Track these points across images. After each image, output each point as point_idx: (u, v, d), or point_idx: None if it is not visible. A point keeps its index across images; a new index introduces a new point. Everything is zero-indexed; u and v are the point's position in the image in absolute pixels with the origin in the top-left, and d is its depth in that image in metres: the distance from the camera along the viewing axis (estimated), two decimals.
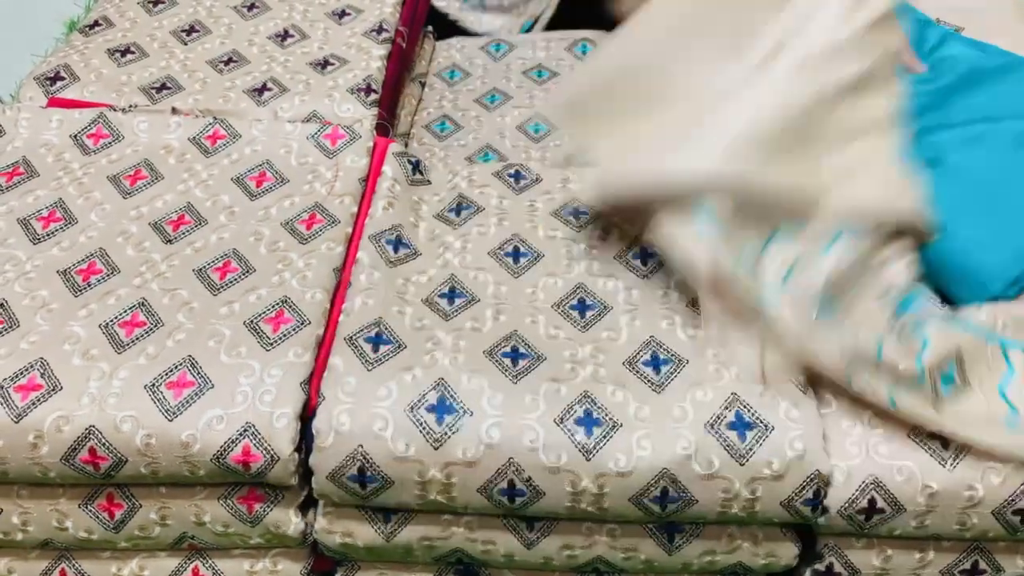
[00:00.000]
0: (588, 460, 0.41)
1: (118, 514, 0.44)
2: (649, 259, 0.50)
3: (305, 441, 0.42)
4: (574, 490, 0.41)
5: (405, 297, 0.47)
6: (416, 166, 0.56)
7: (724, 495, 0.41)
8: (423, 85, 0.73)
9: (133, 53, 0.63)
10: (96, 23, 0.66)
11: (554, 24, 0.79)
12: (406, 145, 0.67)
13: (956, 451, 0.41)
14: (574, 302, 0.48)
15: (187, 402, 0.42)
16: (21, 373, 0.43)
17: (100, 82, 0.60)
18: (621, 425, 0.42)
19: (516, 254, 0.50)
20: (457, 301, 0.47)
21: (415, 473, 0.41)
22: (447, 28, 0.79)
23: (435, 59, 0.76)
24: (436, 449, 0.41)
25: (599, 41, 0.75)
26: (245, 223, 0.50)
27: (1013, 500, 0.41)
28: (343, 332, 0.45)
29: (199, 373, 0.43)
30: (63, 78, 0.61)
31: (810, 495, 0.41)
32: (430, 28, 0.77)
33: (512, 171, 0.56)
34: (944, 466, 0.41)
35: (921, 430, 0.42)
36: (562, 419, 0.42)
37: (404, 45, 0.68)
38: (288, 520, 0.44)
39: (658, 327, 0.46)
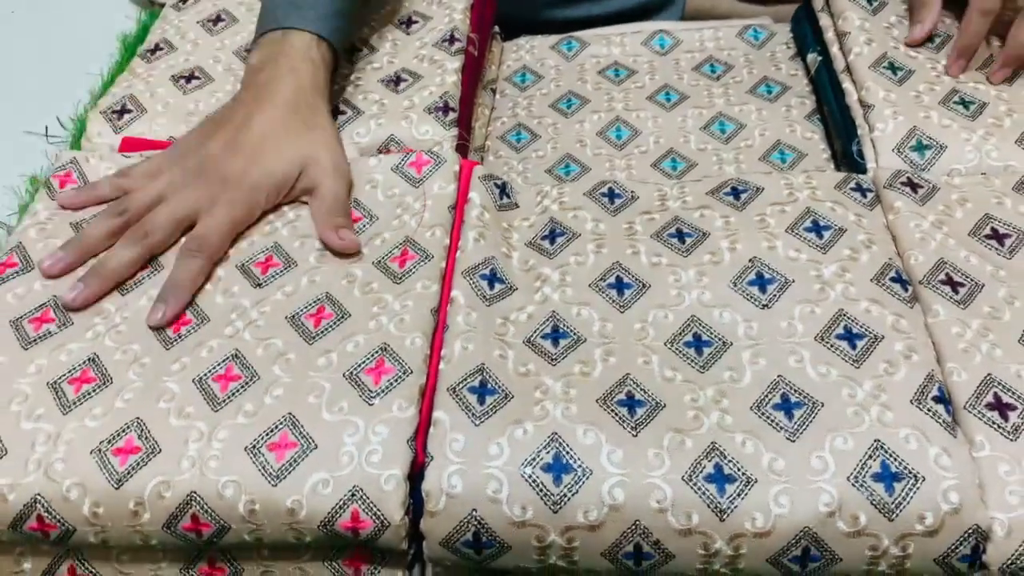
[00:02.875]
0: (722, 521, 0.38)
1: None
2: (768, 285, 0.46)
3: (414, 503, 0.40)
4: (707, 552, 0.38)
5: (506, 339, 0.45)
6: (503, 189, 0.53)
7: (871, 553, 0.38)
8: (494, 92, 0.69)
9: (199, 79, 0.61)
10: (157, 47, 0.64)
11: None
12: (482, 159, 0.64)
13: None
14: (688, 338, 0.44)
15: (291, 465, 0.40)
16: (118, 435, 0.41)
17: (168, 113, 0.58)
18: (756, 480, 0.38)
19: (620, 285, 0.47)
20: (562, 342, 0.44)
21: (534, 538, 0.39)
22: (514, 26, 0.75)
23: (504, 62, 0.72)
24: (555, 512, 0.38)
25: (675, 32, 0.70)
26: (337, 264, 0.48)
27: None
28: (445, 382, 0.42)
29: (301, 432, 0.41)
30: (130, 110, 0.58)
31: (967, 551, 0.38)
32: (496, 29, 0.73)
33: (605, 189, 0.52)
34: None
35: None
36: (691, 476, 0.39)
37: (476, 53, 0.64)
38: None
39: (785, 365, 0.42)
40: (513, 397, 0.42)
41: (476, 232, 0.49)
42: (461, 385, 0.42)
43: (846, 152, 0.57)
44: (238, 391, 0.42)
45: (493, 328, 0.45)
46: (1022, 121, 0.54)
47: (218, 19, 0.66)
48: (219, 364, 0.43)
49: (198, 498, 0.40)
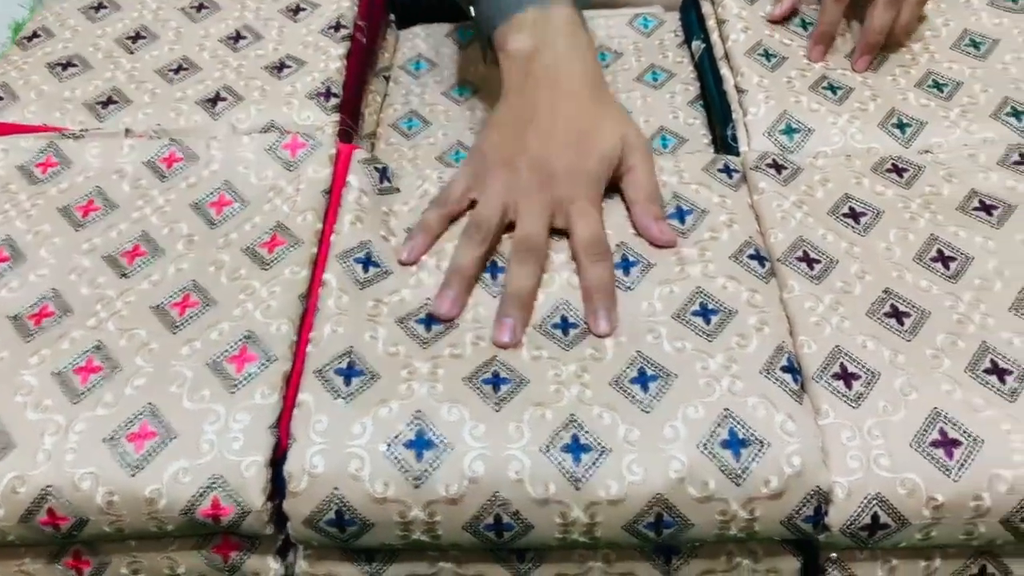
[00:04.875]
0: (578, 489, 0.39)
1: (87, 571, 0.42)
2: (632, 268, 0.47)
3: (278, 487, 0.40)
4: (564, 521, 0.39)
5: (377, 320, 0.45)
6: (384, 173, 0.53)
7: (721, 517, 0.40)
8: (388, 80, 0.69)
9: (76, 66, 0.60)
10: (35, 34, 0.62)
11: None
12: (373, 147, 0.64)
13: (962, 460, 0.39)
14: (556, 320, 0.45)
15: (150, 455, 0.40)
16: None
17: (41, 100, 0.57)
18: (610, 450, 0.40)
19: (493, 268, 0.48)
20: (434, 327, 0.45)
21: (396, 514, 0.39)
22: (410, 15, 0.75)
23: (399, 50, 0.72)
24: (417, 488, 0.39)
25: None
26: (204, 251, 0.47)
27: (1020, 508, 0.39)
28: (312, 365, 0.43)
29: (161, 422, 0.40)
30: (1, 98, 0.57)
31: (811, 512, 0.40)
32: (392, 17, 0.73)
33: None
34: (949, 476, 0.39)
35: (925, 438, 0.40)
36: (548, 447, 0.40)
37: (365, 40, 0.64)
38: (267, 567, 0.42)
39: (644, 341, 0.44)
40: (380, 378, 0.42)
41: (353, 215, 0.49)
42: (328, 367, 0.42)
43: (723, 136, 0.59)
44: (98, 383, 0.42)
45: (365, 310, 0.45)
46: (885, 106, 0.56)
47: (100, 6, 0.64)
48: (80, 356, 0.43)
49: (54, 491, 0.39)
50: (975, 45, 0.60)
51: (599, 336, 0.44)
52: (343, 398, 0.41)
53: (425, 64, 0.70)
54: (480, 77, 0.68)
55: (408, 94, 0.68)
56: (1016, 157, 0.52)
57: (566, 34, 0.50)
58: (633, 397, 0.41)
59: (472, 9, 0.55)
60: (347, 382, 0.42)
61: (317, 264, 0.47)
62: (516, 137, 0.48)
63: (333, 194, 0.51)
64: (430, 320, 0.45)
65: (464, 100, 0.66)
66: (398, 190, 0.53)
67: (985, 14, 0.61)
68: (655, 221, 0.48)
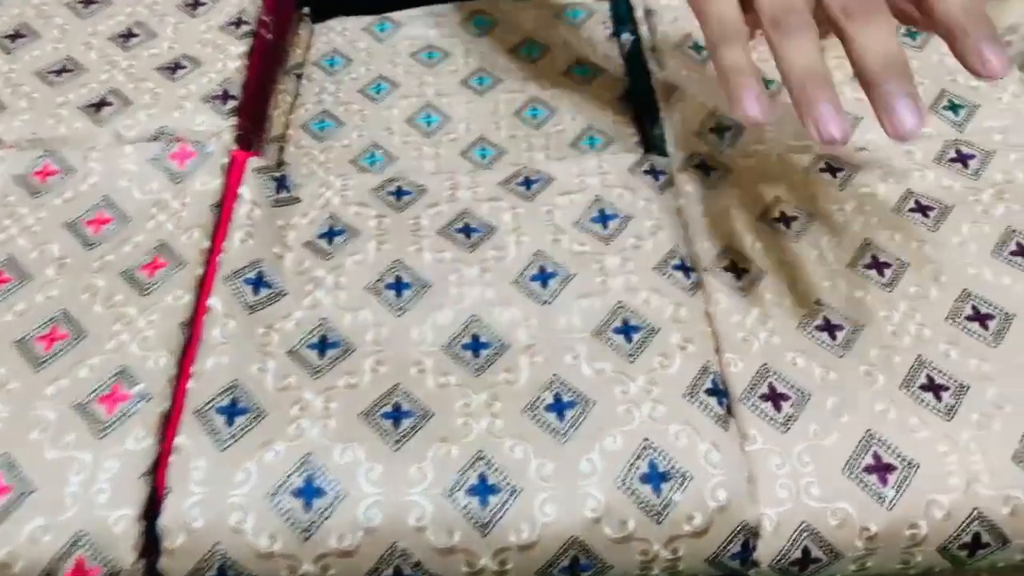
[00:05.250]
0: (484, 536, 0.36)
1: None
2: (550, 280, 0.44)
3: (152, 544, 0.36)
4: (471, 570, 0.36)
5: (267, 350, 0.41)
6: (281, 182, 0.49)
7: (642, 557, 0.36)
8: (300, 78, 0.64)
9: None
10: None
11: None
12: (282, 151, 0.59)
13: (897, 487, 0.37)
14: (467, 340, 0.42)
15: (3, 513, 0.35)
16: None
17: None
18: (521, 489, 0.36)
19: (399, 286, 0.44)
20: (329, 352, 0.41)
21: (284, 569, 0.36)
22: (327, 7, 0.70)
23: (313, 45, 0.67)
24: (306, 540, 0.35)
25: (494, 13, 0.68)
26: (77, 276, 0.43)
27: (958, 536, 0.37)
28: (192, 404, 0.38)
29: (18, 475, 0.36)
30: None
31: (738, 548, 0.37)
32: (306, 10, 0.68)
33: (393, 187, 0.49)
34: (883, 505, 0.36)
35: (857, 463, 0.37)
36: (452, 490, 0.36)
37: (271, 36, 0.60)
38: None
39: (561, 363, 0.40)
40: (267, 415, 0.38)
41: (244, 232, 0.45)
42: (208, 406, 0.38)
43: (651, 136, 0.56)
44: None
45: (254, 339, 0.41)
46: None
47: None
48: None
49: None
50: (911, 35, 0.57)
51: (908, 132, 0.32)
52: (224, 441, 0.37)
53: (340, 60, 0.66)
54: (400, 73, 0.64)
55: (321, 93, 0.63)
56: (953, 154, 0.49)
57: None
58: (548, 426, 0.38)
59: None
60: (230, 422, 0.38)
61: (203, 288, 0.43)
62: None
63: (224, 208, 0.46)
64: (324, 344, 0.41)
65: (381, 98, 0.62)
66: (298, 200, 0.49)
67: None
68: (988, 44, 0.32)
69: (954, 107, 0.52)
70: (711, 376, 0.40)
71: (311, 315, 0.42)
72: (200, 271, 0.43)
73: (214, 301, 0.42)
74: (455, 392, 0.39)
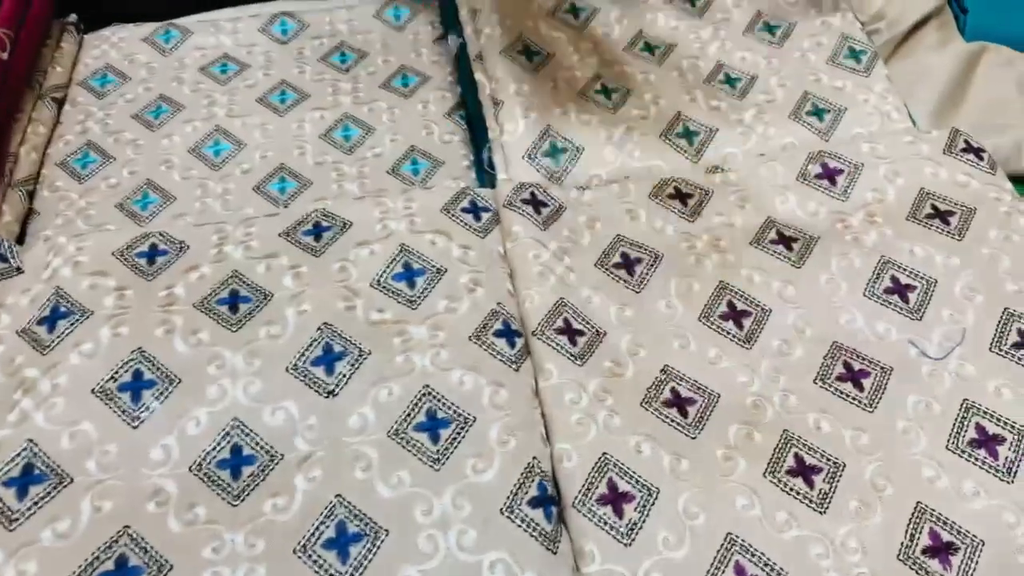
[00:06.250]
0: None
1: None
2: (336, 363, 0.34)
3: None
4: None
5: None
6: None
7: None
8: (60, 102, 0.53)
9: None
10: None
11: None
12: (31, 196, 0.48)
13: None
14: (225, 455, 0.32)
15: None
16: None
17: None
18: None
19: (136, 386, 0.34)
20: (32, 490, 0.31)
21: None
22: (104, 14, 0.58)
23: (81, 61, 0.56)
24: None
25: (301, 15, 0.57)
26: None
27: None
28: None
29: None
30: None
31: None
32: (73, 19, 0.56)
33: (145, 247, 0.39)
34: None
35: (719, 573, 0.30)
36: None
37: (8, 55, 0.48)
38: None
39: (348, 478, 0.31)
40: None
41: None
42: None
43: (481, 159, 0.47)
44: None
45: None
46: (669, 110, 0.46)
47: None
48: None
49: None
50: (769, 29, 0.50)
51: None
52: None
53: (114, 78, 0.54)
54: (185, 92, 0.53)
55: (87, 120, 0.52)
56: (818, 170, 0.43)
57: None
58: (327, 567, 0.29)
59: None
60: None
61: None
62: None
63: None
64: (28, 478, 0.31)
65: (161, 123, 0.51)
66: (19, 271, 0.38)
67: None
68: None
69: (818, 112, 0.46)
70: (537, 480, 0.32)
71: (13, 437, 0.32)
72: None
73: None
74: (203, 533, 0.30)
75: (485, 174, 0.47)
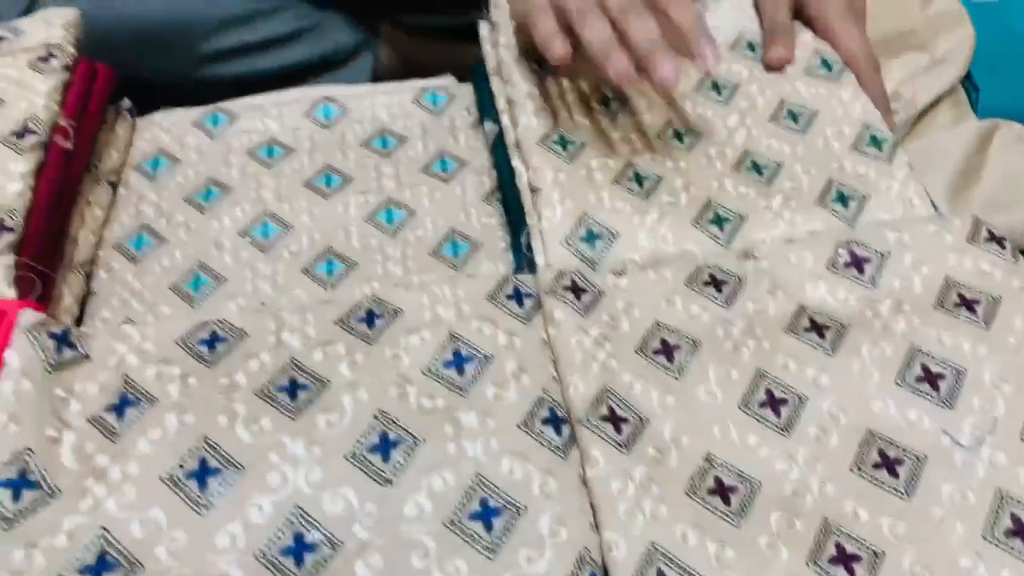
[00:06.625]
0: None
1: None
2: (392, 451, 0.36)
3: None
4: None
5: None
6: (63, 338, 0.40)
7: None
8: (114, 186, 0.55)
9: None
10: None
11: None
12: (89, 278, 0.50)
13: None
14: (288, 543, 0.33)
15: None
16: None
17: None
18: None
19: (202, 475, 0.35)
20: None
21: None
22: (154, 97, 0.61)
23: (134, 145, 0.58)
24: None
25: (343, 100, 0.60)
26: None
27: None
28: None
29: None
30: None
31: None
32: (125, 103, 0.59)
33: (206, 335, 0.40)
34: None
35: None
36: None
37: (71, 144, 0.50)
38: None
39: (406, 566, 0.33)
40: None
41: (6, 416, 0.36)
42: None
43: (518, 244, 0.49)
44: None
45: (7, 566, 0.32)
46: (699, 195, 0.48)
47: None
48: None
49: None
50: (793, 117, 0.53)
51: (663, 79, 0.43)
52: None
53: (165, 161, 0.57)
54: (234, 175, 0.55)
55: (140, 203, 0.54)
56: (846, 258, 0.44)
57: None
58: None
59: None
60: None
61: None
62: None
63: None
64: (102, 566, 0.32)
65: (211, 206, 0.54)
66: (87, 358, 0.40)
67: (801, 84, 0.54)
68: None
69: (843, 198, 0.48)
70: (588, 570, 0.33)
71: (87, 525, 0.33)
72: None
73: None
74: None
75: (523, 257, 0.49)
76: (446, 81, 0.63)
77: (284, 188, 0.55)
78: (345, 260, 0.50)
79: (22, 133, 0.48)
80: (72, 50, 0.53)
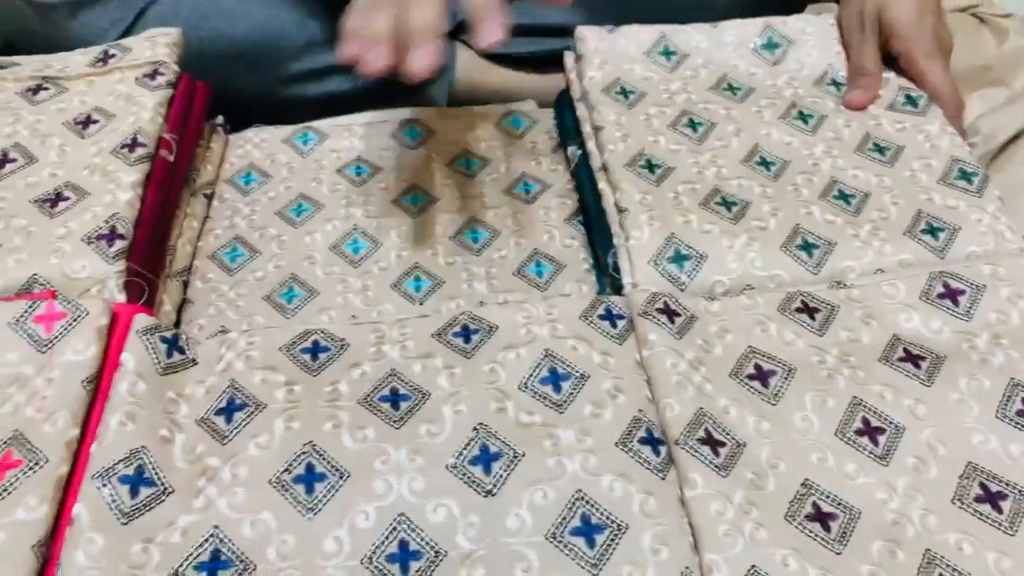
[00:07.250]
0: None
1: None
2: (493, 463, 0.37)
3: None
4: None
5: (142, 575, 0.33)
6: (173, 343, 0.41)
7: None
8: (209, 198, 0.57)
9: None
10: None
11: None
12: (186, 286, 0.52)
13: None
14: (393, 549, 0.34)
15: None
16: None
17: None
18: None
19: (309, 479, 0.36)
20: (221, 574, 0.33)
21: None
22: (251, 111, 0.64)
23: (227, 159, 0.61)
24: None
25: (428, 122, 0.62)
26: None
27: None
28: None
29: None
30: None
31: None
32: (219, 120, 0.62)
33: (309, 343, 0.42)
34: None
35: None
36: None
37: (174, 157, 0.53)
38: None
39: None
40: None
41: (123, 414, 0.37)
42: None
43: (604, 264, 0.50)
44: None
45: (127, 559, 0.33)
46: (788, 221, 0.48)
47: None
48: None
49: None
50: (880, 150, 0.53)
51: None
52: None
53: (257, 176, 0.59)
54: (324, 192, 0.57)
55: (234, 215, 0.56)
56: (940, 289, 0.44)
57: None
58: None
59: None
60: None
61: (68, 491, 0.35)
62: None
63: (102, 382, 0.39)
64: (216, 563, 0.33)
65: (303, 221, 0.55)
66: (194, 362, 0.41)
67: (886, 119, 0.54)
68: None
69: (932, 230, 0.48)
70: None
71: (201, 523, 0.35)
72: (64, 470, 0.35)
73: (80, 510, 0.34)
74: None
75: (606, 278, 0.49)
76: (528, 106, 0.64)
77: (372, 206, 0.56)
78: (432, 277, 0.52)
79: (132, 145, 0.50)
80: (176, 67, 0.56)
